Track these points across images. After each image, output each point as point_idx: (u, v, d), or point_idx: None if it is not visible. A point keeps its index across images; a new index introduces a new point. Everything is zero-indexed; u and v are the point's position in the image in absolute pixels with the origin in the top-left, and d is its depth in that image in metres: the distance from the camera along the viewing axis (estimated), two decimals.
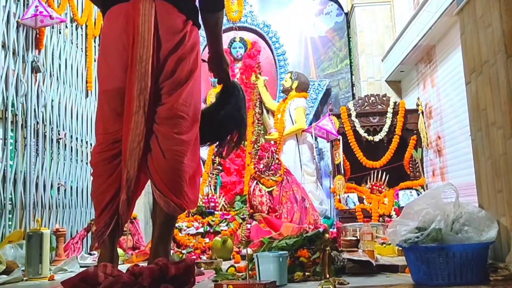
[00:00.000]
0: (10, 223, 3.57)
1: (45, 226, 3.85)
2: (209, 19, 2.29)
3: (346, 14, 6.22)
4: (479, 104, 2.12)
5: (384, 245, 3.09)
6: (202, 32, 2.31)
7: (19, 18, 3.82)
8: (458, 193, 1.89)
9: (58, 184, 4.36)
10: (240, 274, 2.29)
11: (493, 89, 1.98)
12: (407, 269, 2.13)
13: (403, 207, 3.63)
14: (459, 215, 1.83)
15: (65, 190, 4.48)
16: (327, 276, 1.81)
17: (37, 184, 3.95)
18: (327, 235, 1.91)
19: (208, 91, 5.70)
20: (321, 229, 2.26)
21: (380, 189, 4.93)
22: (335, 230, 4.01)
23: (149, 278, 1.70)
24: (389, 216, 4.49)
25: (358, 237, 3.18)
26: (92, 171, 2.23)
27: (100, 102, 2.22)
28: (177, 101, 2.09)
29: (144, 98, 2.03)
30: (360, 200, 4.83)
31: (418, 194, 4.66)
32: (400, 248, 2.73)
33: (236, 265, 2.58)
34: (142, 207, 5.09)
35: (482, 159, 2.10)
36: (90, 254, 3.80)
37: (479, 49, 2.11)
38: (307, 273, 2.13)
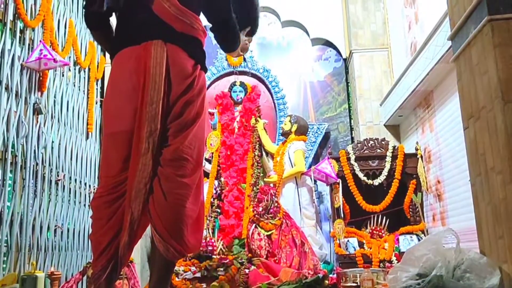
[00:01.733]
0: (4, 265, 3.51)
1: (40, 269, 3.79)
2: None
3: (345, 59, 6.33)
4: (478, 149, 2.13)
5: None
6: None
7: (23, 61, 3.89)
8: (458, 238, 1.88)
9: (55, 226, 4.32)
10: None
11: (491, 135, 1.99)
12: None
13: (403, 252, 3.59)
14: (460, 262, 1.81)
15: (61, 232, 4.43)
16: None
17: (33, 226, 3.91)
18: (326, 282, 1.88)
19: (208, 134, 5.73)
20: (320, 275, 2.22)
21: (380, 233, 4.87)
22: (335, 275, 3.94)
23: None
24: (390, 261, 4.41)
25: (359, 284, 3.11)
26: (92, 213, 2.20)
27: (105, 144, 2.20)
28: (182, 143, 2.09)
29: (153, 141, 2.03)
30: (360, 244, 4.76)
31: (419, 239, 4.60)
32: None
33: None
34: (138, 251, 5.02)
35: (482, 204, 2.09)
36: None
37: (476, 95, 2.14)
38: None
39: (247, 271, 3.90)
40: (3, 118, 3.56)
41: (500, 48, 1.94)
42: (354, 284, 3.12)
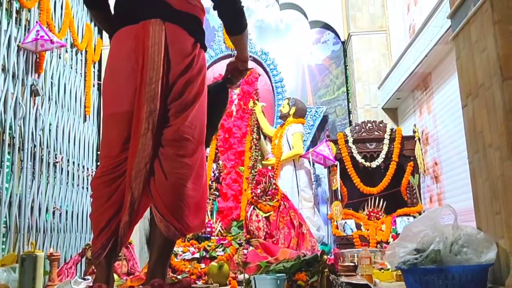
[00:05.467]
0: (3, 246, 3.53)
1: (39, 250, 3.81)
2: (235, 39, 2.36)
3: (343, 42, 6.31)
4: (476, 126, 2.13)
5: (382, 270, 3.06)
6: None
7: (20, 42, 3.87)
8: (456, 215, 1.89)
9: (54, 208, 4.34)
10: None
11: (490, 112, 1.99)
12: None
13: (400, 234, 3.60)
14: (457, 237, 1.82)
15: (60, 214, 4.45)
16: None
17: (32, 208, 3.93)
18: (325, 257, 1.89)
19: None
20: (320, 248, 2.23)
21: (377, 215, 4.91)
22: (332, 257, 3.97)
23: None
24: (387, 242, 4.45)
25: (356, 263, 3.14)
26: (92, 193, 2.20)
27: (105, 125, 2.19)
28: (183, 123, 2.08)
29: (153, 121, 2.02)
30: (358, 226, 4.80)
31: None
32: (399, 274, 2.71)
33: None
34: (137, 233, 5.04)
35: (480, 181, 2.10)
36: (84, 279, 3.74)
37: (475, 72, 2.14)
38: None
39: (245, 251, 3.93)
40: (0, 99, 3.55)
41: (499, 25, 1.94)
42: (352, 264, 3.15)
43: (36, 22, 4.03)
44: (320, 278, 1.83)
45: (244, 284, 2.11)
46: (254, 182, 4.58)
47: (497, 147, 1.94)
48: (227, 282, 3.27)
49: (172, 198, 2.04)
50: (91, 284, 2.35)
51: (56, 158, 4.43)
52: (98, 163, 2.54)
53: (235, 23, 2.30)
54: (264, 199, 4.37)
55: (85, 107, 5.17)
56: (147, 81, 2.04)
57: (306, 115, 5.74)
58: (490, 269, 1.86)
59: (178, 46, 2.12)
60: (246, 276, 2.59)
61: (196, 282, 3.48)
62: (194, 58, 2.16)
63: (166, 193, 2.04)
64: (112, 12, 2.33)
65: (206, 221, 4.54)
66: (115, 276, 3.25)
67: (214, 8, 2.27)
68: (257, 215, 4.28)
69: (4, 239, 3.53)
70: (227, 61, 6.23)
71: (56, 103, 4.51)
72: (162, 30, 2.09)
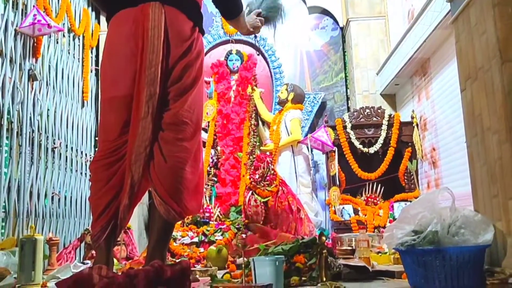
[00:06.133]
0: (3, 230, 3.54)
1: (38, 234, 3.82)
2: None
3: (341, 28, 6.28)
4: (474, 110, 2.14)
5: (380, 254, 3.09)
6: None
7: (17, 26, 3.84)
8: (454, 197, 1.90)
9: (52, 193, 4.34)
10: (236, 280, 2.27)
11: (488, 95, 2.00)
12: (404, 275, 2.13)
13: None
14: (455, 219, 1.83)
15: (59, 199, 4.46)
16: (324, 279, 1.80)
17: (31, 193, 3.93)
18: (324, 238, 1.91)
19: (205, 103, 5.72)
20: (317, 233, 2.25)
21: (375, 201, 4.93)
22: (330, 242, 4.00)
23: (144, 280, 1.67)
24: (384, 227, 4.47)
25: (354, 247, 3.17)
26: (91, 176, 2.20)
27: (104, 108, 2.18)
28: (182, 107, 2.08)
29: (153, 104, 2.01)
30: (355, 211, 4.82)
31: None
32: (396, 257, 2.73)
33: (231, 273, 2.56)
34: (136, 218, 5.06)
35: (478, 164, 2.11)
36: (83, 264, 3.76)
37: (474, 56, 2.14)
38: (303, 278, 2.12)
39: (244, 236, 3.95)
40: None
41: (499, 7, 1.93)
42: (350, 248, 3.17)
43: (33, 6, 4.00)
44: (318, 259, 1.84)
45: (243, 266, 2.13)
46: (252, 167, 4.59)
47: (495, 131, 1.95)
48: (226, 266, 3.30)
49: (171, 181, 2.04)
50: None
51: (54, 143, 4.43)
52: (96, 148, 2.54)
53: (232, 5, 2.33)
54: (262, 184, 4.38)
55: (83, 92, 5.16)
56: (147, 65, 2.03)
57: (305, 101, 5.73)
58: (487, 250, 1.88)
59: (177, 29, 2.11)
60: (245, 259, 2.61)
61: (195, 265, 3.51)
62: (193, 42, 2.15)
63: (166, 176, 2.04)
64: None
65: (205, 206, 4.56)
66: (114, 260, 3.27)
67: None
68: (255, 200, 4.30)
69: (4, 224, 3.55)
70: (226, 46, 6.20)
71: (54, 88, 4.49)
72: (161, 13, 2.08)
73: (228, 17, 2.41)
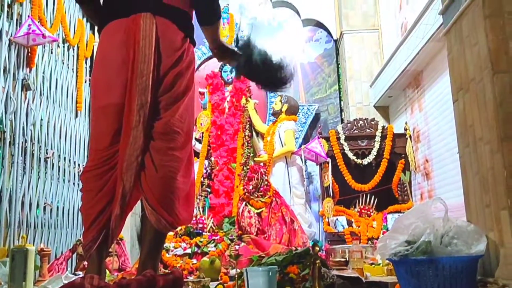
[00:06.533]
0: None
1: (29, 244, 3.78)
2: (207, 29, 2.31)
3: (335, 41, 6.33)
4: (467, 120, 2.16)
5: (373, 265, 3.08)
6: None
7: (11, 36, 3.84)
8: (447, 207, 1.91)
9: (45, 203, 4.31)
10: None
11: (480, 105, 2.02)
12: (397, 286, 2.12)
13: None
14: (448, 229, 1.84)
15: (51, 210, 4.42)
16: None
17: (23, 203, 3.90)
18: (317, 248, 1.90)
19: (199, 114, 5.73)
20: (311, 245, 2.24)
21: (368, 212, 4.93)
22: (324, 253, 3.98)
23: None
24: (378, 239, 4.47)
25: (347, 259, 3.16)
26: (82, 186, 2.20)
27: (95, 117, 2.17)
28: (173, 116, 2.09)
29: (144, 113, 2.02)
30: (349, 223, 4.82)
31: None
32: (390, 268, 2.73)
33: (224, 284, 2.54)
34: (128, 229, 5.03)
35: (470, 174, 2.12)
36: (75, 275, 3.72)
37: (466, 67, 2.16)
38: None
39: (237, 247, 3.93)
40: None
41: (490, 19, 1.96)
42: (343, 259, 3.17)
43: (28, 16, 4.00)
44: (312, 269, 1.83)
45: (236, 277, 2.11)
46: (246, 178, 4.58)
47: (487, 141, 1.96)
48: (219, 277, 3.27)
49: (162, 191, 2.04)
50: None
51: (47, 153, 4.41)
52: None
53: (210, 11, 2.27)
54: (256, 195, 4.38)
55: (76, 102, 5.15)
56: (138, 74, 2.04)
57: (298, 113, 5.75)
58: (480, 261, 1.88)
59: (169, 39, 2.12)
60: (238, 269, 2.60)
61: (188, 277, 3.49)
62: (184, 52, 2.17)
63: (157, 185, 2.04)
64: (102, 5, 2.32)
65: (198, 217, 4.54)
66: (106, 271, 3.24)
67: None
68: (249, 211, 4.29)
69: None
70: None
71: (47, 98, 4.48)
72: (152, 24, 2.09)
73: (203, 22, 2.31)
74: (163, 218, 2.03)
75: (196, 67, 5.95)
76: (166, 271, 3.63)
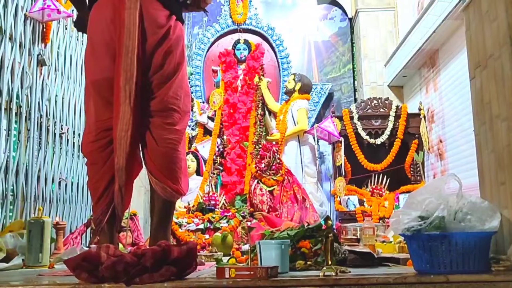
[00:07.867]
0: (11, 214, 3.57)
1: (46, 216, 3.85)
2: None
3: (350, 19, 6.26)
4: (483, 98, 2.13)
5: (384, 243, 3.09)
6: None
7: (26, 11, 3.85)
8: (461, 183, 1.90)
9: (60, 178, 4.37)
10: (241, 264, 2.29)
11: (498, 82, 1.99)
12: (409, 262, 2.13)
13: None
14: (462, 205, 1.83)
15: (66, 185, 4.48)
16: (329, 262, 1.80)
17: (38, 177, 3.96)
18: (330, 222, 1.91)
19: (211, 92, 5.73)
20: (322, 220, 2.25)
21: (380, 192, 4.93)
22: (335, 231, 4.00)
23: (152, 259, 1.70)
24: (389, 218, 4.48)
25: (359, 237, 3.17)
26: (87, 160, 2.24)
27: (89, 91, 2.25)
28: (167, 94, 2.17)
29: (130, 88, 2.07)
30: (361, 202, 4.83)
31: None
32: (402, 245, 2.74)
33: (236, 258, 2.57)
34: (142, 205, 5.08)
35: (486, 152, 2.11)
36: (90, 248, 3.79)
37: (484, 43, 2.13)
38: (308, 263, 2.13)
39: (249, 223, 3.97)
40: (7, 68, 3.54)
41: None
42: (355, 237, 3.18)
43: None
44: (324, 243, 1.84)
45: (249, 251, 2.14)
46: (259, 156, 4.59)
47: (504, 118, 1.94)
48: (231, 253, 3.31)
49: (165, 162, 2.15)
50: None
51: (62, 129, 4.45)
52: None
53: None
54: (268, 173, 4.40)
55: None
56: (124, 51, 2.09)
57: (312, 92, 5.72)
58: (493, 238, 1.88)
59: (152, 16, 2.18)
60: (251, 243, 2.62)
61: (200, 252, 3.53)
62: (170, 29, 2.21)
63: (159, 157, 2.14)
64: None
65: (211, 193, 4.58)
66: (120, 246, 3.29)
67: None
68: (261, 189, 4.32)
69: (11, 207, 3.57)
70: (233, 36, 6.19)
71: (62, 73, 4.50)
72: (137, 1, 2.14)
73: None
74: (168, 186, 2.14)
75: (209, 45, 5.91)
76: None
